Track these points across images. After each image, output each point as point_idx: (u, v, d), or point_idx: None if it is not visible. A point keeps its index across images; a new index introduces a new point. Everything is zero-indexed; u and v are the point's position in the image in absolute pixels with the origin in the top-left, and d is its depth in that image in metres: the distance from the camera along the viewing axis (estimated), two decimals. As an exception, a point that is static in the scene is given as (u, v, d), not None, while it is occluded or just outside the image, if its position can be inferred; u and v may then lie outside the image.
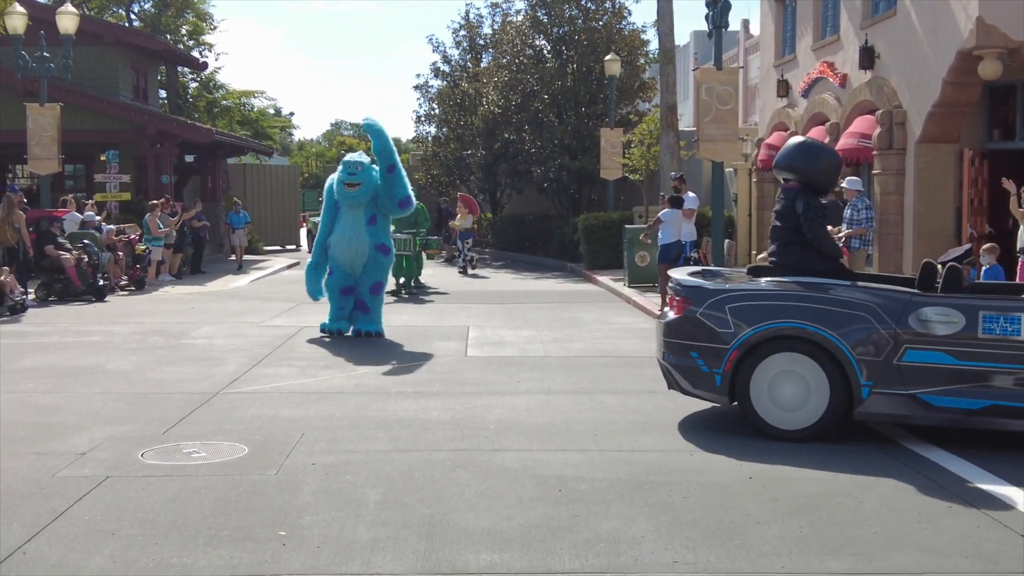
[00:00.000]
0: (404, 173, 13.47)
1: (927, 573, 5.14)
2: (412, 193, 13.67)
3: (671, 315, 8.37)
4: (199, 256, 25.26)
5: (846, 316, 7.65)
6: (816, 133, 20.13)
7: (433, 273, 23.96)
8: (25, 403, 9.11)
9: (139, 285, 20.24)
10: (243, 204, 28.80)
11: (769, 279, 8.25)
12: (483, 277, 24.38)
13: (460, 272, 25.35)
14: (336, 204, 13.55)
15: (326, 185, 14.06)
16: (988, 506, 6.17)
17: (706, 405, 9.03)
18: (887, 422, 7.89)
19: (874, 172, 17.54)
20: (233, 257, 26.91)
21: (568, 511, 6.02)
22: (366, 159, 13.40)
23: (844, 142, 18.15)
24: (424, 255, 21.16)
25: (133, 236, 21.39)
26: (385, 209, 13.53)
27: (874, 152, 17.30)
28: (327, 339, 13.25)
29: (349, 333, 13.51)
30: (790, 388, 7.77)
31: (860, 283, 8.06)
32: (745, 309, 7.88)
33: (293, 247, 37.24)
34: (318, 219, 16.50)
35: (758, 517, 5.94)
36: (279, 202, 37.82)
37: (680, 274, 8.69)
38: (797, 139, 8.79)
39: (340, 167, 13.44)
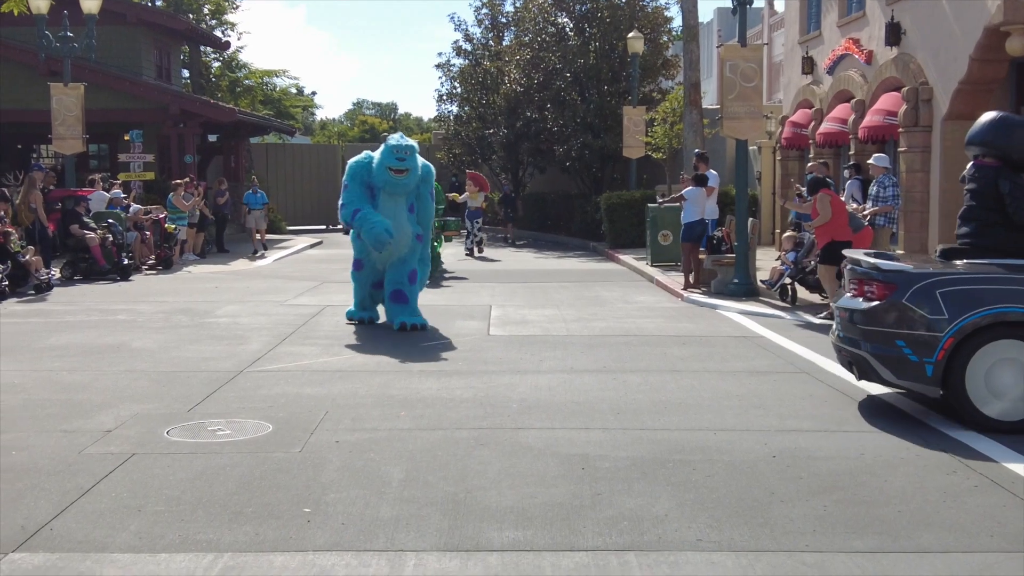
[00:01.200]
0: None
1: (952, 552, 5.11)
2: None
3: (861, 301, 7.88)
4: (220, 234, 25.31)
5: None
6: (841, 110, 19.99)
7: (453, 253, 23.95)
8: (51, 381, 9.20)
9: (166, 264, 20.37)
10: (275, 184, 28.18)
11: (971, 262, 7.83)
12: (494, 260, 24.04)
13: (467, 254, 24.85)
14: (371, 187, 12.34)
15: (352, 164, 12.60)
16: (1014, 485, 6.12)
17: (730, 385, 9.01)
18: None
19: (900, 150, 17.39)
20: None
21: (591, 489, 6.02)
22: (414, 142, 12.45)
23: (869, 119, 18.01)
24: (443, 236, 21.05)
25: (161, 215, 21.49)
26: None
27: (900, 129, 17.16)
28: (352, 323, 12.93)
29: (390, 323, 12.72)
30: (1010, 377, 7.35)
31: None
32: (958, 294, 7.40)
33: (323, 227, 35.47)
34: None
35: (782, 495, 5.92)
36: (318, 182, 36.89)
37: (869, 258, 8.17)
38: (992, 114, 8.30)
39: (383, 150, 12.18)
